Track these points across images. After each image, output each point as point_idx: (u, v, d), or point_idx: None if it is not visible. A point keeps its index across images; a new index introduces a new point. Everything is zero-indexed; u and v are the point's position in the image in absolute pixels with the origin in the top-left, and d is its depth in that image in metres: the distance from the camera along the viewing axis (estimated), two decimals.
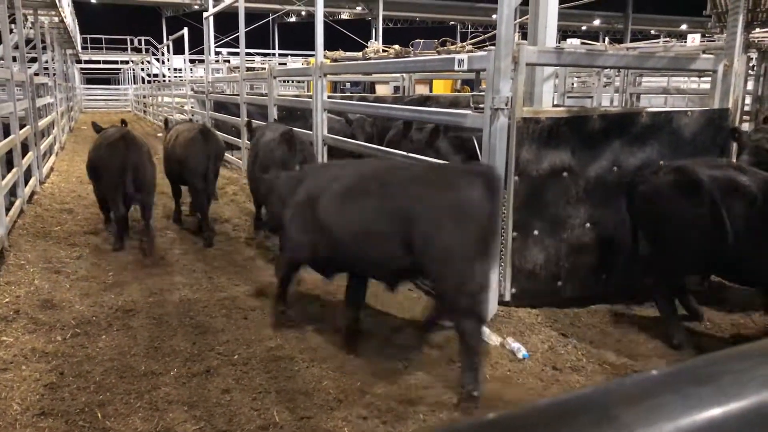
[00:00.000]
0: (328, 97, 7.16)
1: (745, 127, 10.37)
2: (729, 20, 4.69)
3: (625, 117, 4.65)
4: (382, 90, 15.96)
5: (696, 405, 0.50)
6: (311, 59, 8.66)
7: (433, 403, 3.40)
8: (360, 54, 15.55)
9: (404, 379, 3.69)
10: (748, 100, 10.73)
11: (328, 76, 7.28)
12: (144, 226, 6.36)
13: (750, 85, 10.81)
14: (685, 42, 15.79)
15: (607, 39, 28.21)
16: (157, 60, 27.79)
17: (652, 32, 43.55)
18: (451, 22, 43.62)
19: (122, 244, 6.31)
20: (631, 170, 4.59)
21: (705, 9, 9.93)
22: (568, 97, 13.00)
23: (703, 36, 18.14)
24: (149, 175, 6.23)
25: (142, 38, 35.38)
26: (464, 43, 14.78)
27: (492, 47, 4.14)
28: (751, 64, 11.03)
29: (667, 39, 25.90)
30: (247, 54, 19.61)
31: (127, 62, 34.93)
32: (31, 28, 12.72)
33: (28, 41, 11.61)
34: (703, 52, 11.20)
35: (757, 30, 11.96)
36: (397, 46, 15.13)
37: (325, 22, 7.55)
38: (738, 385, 0.52)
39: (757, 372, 0.53)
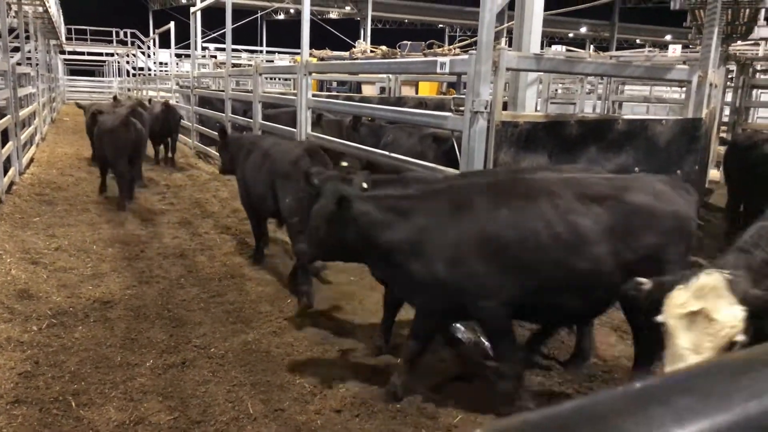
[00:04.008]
0: (313, 95, 7.20)
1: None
2: (704, 32, 4.82)
3: (602, 123, 4.76)
4: (368, 90, 16.01)
5: (685, 417, 0.49)
6: (298, 57, 8.70)
7: (407, 401, 3.46)
8: (347, 54, 15.61)
9: (379, 374, 3.74)
10: (726, 111, 10.99)
11: (313, 74, 7.32)
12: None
13: (729, 97, 11.07)
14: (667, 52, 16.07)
15: (592, 47, 28.55)
16: (143, 53, 27.54)
17: (638, 41, 44.12)
18: (440, 25, 43.82)
19: None
20: None
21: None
22: (552, 103, 13.17)
23: (686, 47, 18.49)
24: None
25: (128, 31, 34.94)
26: (451, 46, 14.92)
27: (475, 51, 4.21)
28: (729, 76, 11.30)
29: (652, 48, 26.28)
30: (234, 50, 19.55)
31: (112, 54, 34.48)
32: (14, 17, 12.58)
33: (11, 30, 11.47)
34: (684, 62, 11.43)
35: (739, 42, 12.23)
36: (384, 47, 15.22)
37: (313, 21, 7.59)
38: (724, 397, 0.51)
39: (742, 382, 0.53)
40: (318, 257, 3.75)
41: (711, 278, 2.16)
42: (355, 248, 3.37)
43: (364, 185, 3.55)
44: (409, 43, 17.20)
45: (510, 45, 7.38)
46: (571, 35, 43.83)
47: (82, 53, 35.49)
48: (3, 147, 8.29)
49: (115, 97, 13.05)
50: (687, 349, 2.15)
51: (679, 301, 2.19)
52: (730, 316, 2.09)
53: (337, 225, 3.30)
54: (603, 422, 0.48)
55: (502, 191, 3.26)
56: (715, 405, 0.50)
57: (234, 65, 14.01)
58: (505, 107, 5.45)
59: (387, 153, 5.66)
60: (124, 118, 8.00)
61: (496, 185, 3.36)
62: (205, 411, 3.29)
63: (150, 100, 13.60)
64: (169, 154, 11.60)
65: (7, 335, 4.03)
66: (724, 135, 10.64)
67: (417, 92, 14.20)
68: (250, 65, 11.25)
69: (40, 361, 3.72)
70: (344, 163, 4.87)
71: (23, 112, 10.48)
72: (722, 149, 9.90)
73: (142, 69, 26.45)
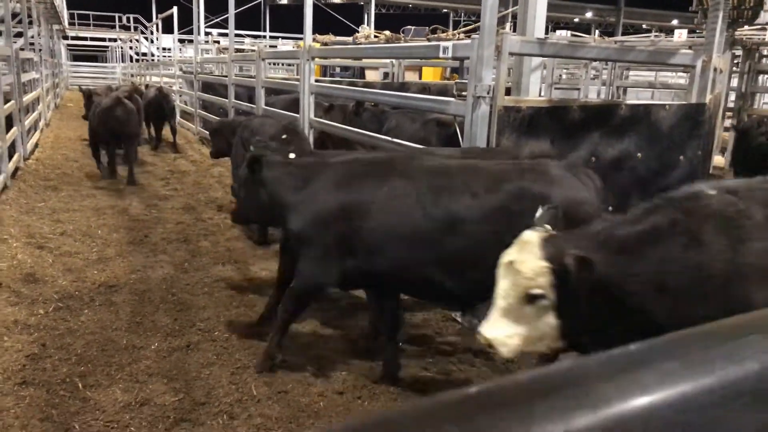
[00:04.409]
0: (316, 80, 7.21)
1: (727, 123, 10.58)
2: (709, 16, 4.79)
3: (605, 109, 4.75)
4: (371, 76, 15.95)
5: (668, 380, 0.51)
6: (301, 42, 8.70)
7: (408, 383, 3.51)
8: (350, 39, 15.54)
9: (381, 357, 3.79)
10: (732, 96, 10.93)
11: (316, 59, 7.31)
12: None
13: (735, 82, 11.00)
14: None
15: (597, 32, 28.33)
16: (146, 39, 27.46)
17: (644, 26, 43.68)
18: (444, 10, 43.45)
19: None
20: (608, 161, 4.70)
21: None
22: (556, 89, 13.11)
23: (692, 32, 18.32)
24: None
25: (131, 16, 34.86)
26: (455, 31, 14.84)
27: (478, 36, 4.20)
28: (735, 62, 11.21)
29: (658, 34, 26.02)
30: (237, 35, 19.47)
31: (115, 40, 34.41)
32: (17, 2, 12.55)
33: (14, 15, 11.46)
34: (689, 47, 11.34)
35: (746, 27, 12.11)
36: (387, 32, 15.16)
37: (316, 6, 7.58)
38: (707, 362, 0.53)
39: (723, 349, 0.55)
40: (243, 218, 4.05)
41: (531, 234, 2.26)
42: (268, 209, 3.64)
43: (291, 155, 3.88)
44: (412, 28, 17.14)
45: (515, 30, 7.35)
46: (576, 20, 43.43)
47: (85, 38, 35.36)
48: (7, 132, 8.32)
49: (109, 87, 13.40)
50: (500, 295, 2.27)
51: (510, 250, 2.30)
52: (530, 269, 2.18)
53: (253, 186, 3.62)
54: (584, 386, 0.49)
55: (388, 169, 3.36)
56: (698, 369, 0.52)
57: (237, 50, 13.98)
58: (509, 93, 5.45)
59: (390, 138, 5.66)
60: (117, 98, 8.59)
61: (389, 162, 3.46)
62: (210, 393, 3.34)
63: (146, 86, 13.95)
64: (163, 139, 12.08)
65: (14, 318, 4.08)
66: (729, 120, 10.59)
67: (420, 77, 14.14)
68: (253, 50, 11.23)
69: (47, 344, 3.78)
70: (284, 135, 5.19)
71: (27, 98, 10.50)
72: (727, 135, 9.86)
73: (145, 54, 26.38)
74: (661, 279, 2.17)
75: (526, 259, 2.19)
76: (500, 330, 2.24)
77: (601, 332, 2.25)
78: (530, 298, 2.19)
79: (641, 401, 0.49)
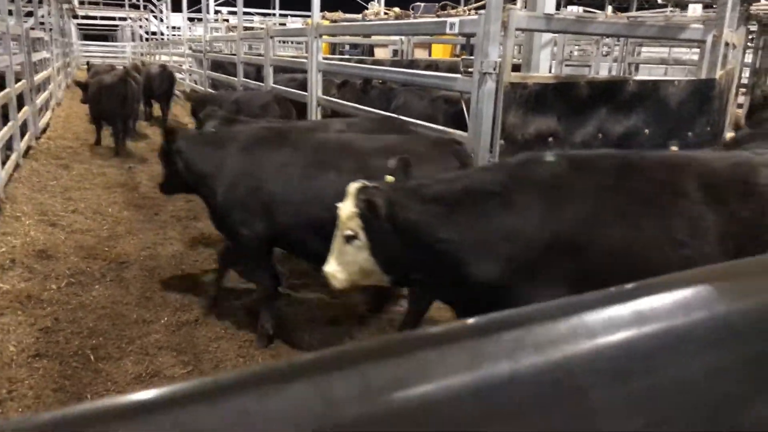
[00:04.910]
0: (324, 58, 7.17)
1: (741, 100, 10.41)
2: None
3: (612, 85, 4.70)
4: (381, 53, 15.82)
5: (614, 325, 0.52)
6: (309, 20, 8.64)
7: None
8: (360, 16, 15.38)
9: (385, 335, 3.84)
10: (746, 72, 10.73)
11: (323, 37, 7.27)
12: None
13: (749, 58, 10.80)
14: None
15: (610, 7, 27.75)
16: (156, 18, 27.38)
17: (660, 2, 42.81)
18: None
19: None
20: (615, 137, 4.66)
21: None
22: (566, 65, 12.95)
23: (708, 7, 17.91)
24: None
25: None
26: (465, 8, 14.64)
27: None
28: (750, 37, 10.99)
29: (673, 9, 25.46)
30: (246, 13, 19.36)
31: (125, 19, 34.32)
32: None
33: None
34: (702, 22, 11.12)
35: (762, 2, 11.85)
36: (397, 9, 14.98)
37: None
38: (654, 310, 0.54)
39: (671, 298, 0.56)
40: (167, 189, 4.18)
41: (353, 184, 2.49)
42: (187, 179, 3.83)
43: (213, 130, 4.11)
44: (422, 4, 16.88)
45: (526, 6, 7.24)
46: None
47: (95, 18, 35.27)
48: (19, 111, 8.39)
49: (112, 66, 13.74)
50: (334, 237, 2.57)
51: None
52: (344, 214, 2.46)
53: (171, 158, 3.82)
54: (530, 328, 0.50)
55: (277, 140, 3.62)
56: (645, 317, 0.53)
57: (246, 29, 13.93)
58: (519, 69, 5.40)
59: (397, 116, 5.65)
60: (117, 77, 9.12)
61: (286, 132, 3.72)
62: (218, 365, 3.42)
63: (143, 63, 14.56)
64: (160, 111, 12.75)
65: (27, 293, 4.18)
66: (743, 97, 10.42)
67: (430, 55, 14.01)
68: (262, 28, 11.18)
69: (59, 318, 3.87)
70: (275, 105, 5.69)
71: (38, 77, 10.55)
72: (740, 112, 9.71)
73: (155, 33, 26.33)
74: (477, 234, 2.30)
75: (344, 206, 2.46)
76: (333, 266, 2.54)
77: (430, 272, 2.42)
78: (347, 239, 2.46)
79: (586, 344, 0.50)
